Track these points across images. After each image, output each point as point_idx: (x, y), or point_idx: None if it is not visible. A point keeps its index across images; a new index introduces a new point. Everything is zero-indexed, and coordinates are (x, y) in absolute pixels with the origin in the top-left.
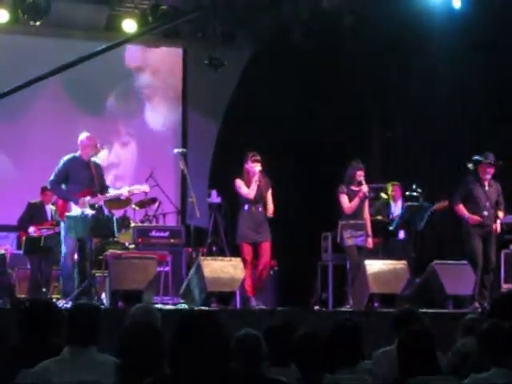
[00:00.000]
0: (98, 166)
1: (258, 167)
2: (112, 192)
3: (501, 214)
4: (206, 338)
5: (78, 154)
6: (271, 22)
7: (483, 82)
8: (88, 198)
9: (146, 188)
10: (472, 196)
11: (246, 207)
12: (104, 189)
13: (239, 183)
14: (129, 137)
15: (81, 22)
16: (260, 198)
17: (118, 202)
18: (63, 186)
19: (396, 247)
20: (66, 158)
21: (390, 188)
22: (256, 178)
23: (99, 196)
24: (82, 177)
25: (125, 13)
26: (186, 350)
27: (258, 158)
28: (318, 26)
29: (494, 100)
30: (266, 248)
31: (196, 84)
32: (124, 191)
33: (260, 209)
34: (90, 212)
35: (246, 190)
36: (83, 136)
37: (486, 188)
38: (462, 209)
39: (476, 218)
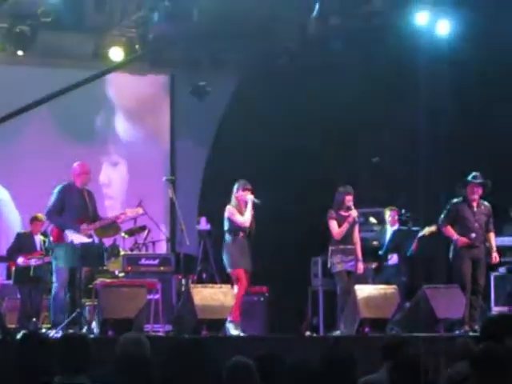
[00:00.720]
0: (90, 193)
1: (251, 196)
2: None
3: (492, 236)
4: (196, 366)
5: (71, 182)
6: (259, 48)
7: (468, 109)
8: (84, 225)
9: (140, 210)
10: (460, 217)
11: (238, 235)
12: (96, 217)
13: (233, 211)
14: (118, 157)
15: (68, 51)
16: (250, 227)
17: (107, 230)
18: (59, 215)
19: (387, 272)
20: (61, 186)
21: (387, 213)
22: (250, 206)
23: (94, 223)
24: (77, 205)
25: (112, 41)
26: (177, 378)
27: (250, 186)
28: (306, 52)
29: (479, 127)
30: (248, 277)
31: (184, 111)
32: (118, 214)
33: (246, 238)
34: (87, 240)
35: (242, 218)
36: (75, 164)
37: (475, 209)
38: (449, 230)
39: (464, 239)
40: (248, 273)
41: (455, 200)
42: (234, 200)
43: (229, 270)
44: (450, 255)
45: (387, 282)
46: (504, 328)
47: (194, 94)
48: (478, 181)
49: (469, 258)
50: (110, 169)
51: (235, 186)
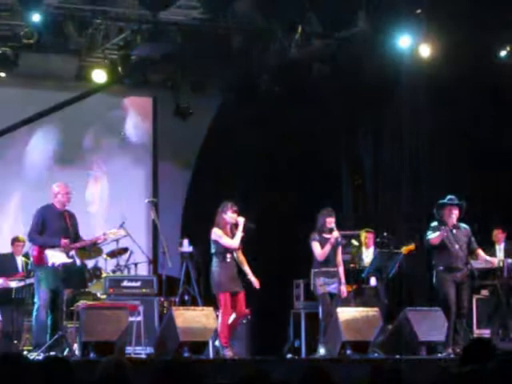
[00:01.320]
0: (72, 215)
1: (242, 218)
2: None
3: (479, 252)
4: None
5: (50, 203)
6: (240, 70)
7: (451, 130)
8: (64, 241)
9: (121, 232)
10: (440, 241)
11: (226, 257)
12: (77, 238)
13: (219, 233)
14: (102, 179)
15: (51, 73)
16: (237, 248)
17: (89, 252)
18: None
19: (368, 294)
20: (40, 207)
21: (363, 235)
22: (241, 228)
23: (74, 244)
24: (57, 226)
25: (95, 63)
26: None
27: (237, 208)
28: (287, 74)
29: (461, 147)
30: (242, 298)
31: (166, 133)
32: (100, 235)
33: (234, 259)
34: (68, 260)
35: (231, 241)
36: (54, 185)
37: (454, 231)
38: (434, 237)
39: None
40: (240, 293)
41: (433, 224)
42: (220, 222)
43: (214, 292)
44: (434, 279)
45: (369, 305)
46: (485, 352)
47: (177, 115)
48: (455, 202)
49: (452, 281)
50: (94, 190)
51: (221, 208)
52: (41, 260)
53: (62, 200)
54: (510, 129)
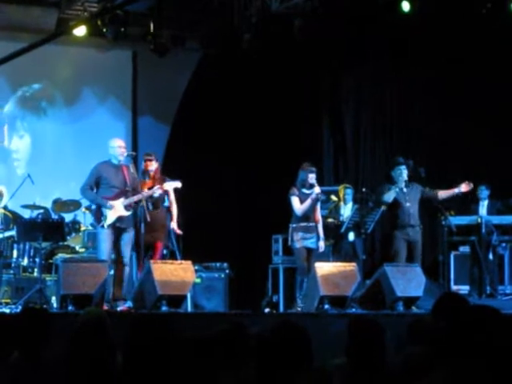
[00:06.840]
0: (129, 168)
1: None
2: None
3: (441, 191)
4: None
5: (108, 158)
6: (221, 25)
7: (430, 87)
8: (121, 199)
9: (178, 184)
10: (392, 201)
11: None
12: (136, 190)
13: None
14: (81, 132)
15: (30, 25)
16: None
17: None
18: (94, 191)
19: (346, 249)
20: (98, 163)
21: (341, 190)
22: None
23: (133, 197)
24: (114, 180)
25: (74, 16)
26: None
27: (150, 157)
28: (268, 29)
29: (441, 104)
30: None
31: (146, 87)
32: (156, 188)
33: (156, 211)
34: (125, 213)
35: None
36: (110, 140)
37: (404, 189)
38: (386, 196)
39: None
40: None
41: (385, 185)
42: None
43: None
44: (386, 237)
45: (347, 260)
46: (456, 306)
47: (154, 52)
48: (402, 163)
49: (404, 240)
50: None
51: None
52: (99, 217)
53: (117, 154)
54: (497, 84)
